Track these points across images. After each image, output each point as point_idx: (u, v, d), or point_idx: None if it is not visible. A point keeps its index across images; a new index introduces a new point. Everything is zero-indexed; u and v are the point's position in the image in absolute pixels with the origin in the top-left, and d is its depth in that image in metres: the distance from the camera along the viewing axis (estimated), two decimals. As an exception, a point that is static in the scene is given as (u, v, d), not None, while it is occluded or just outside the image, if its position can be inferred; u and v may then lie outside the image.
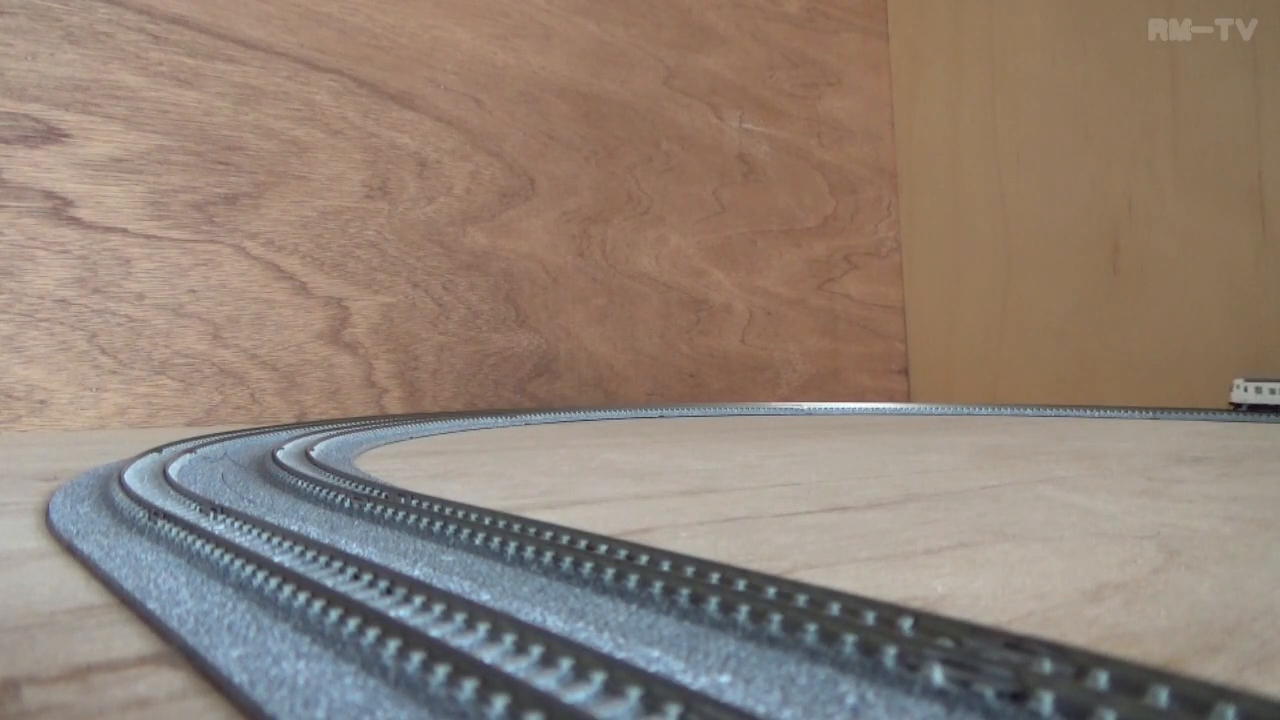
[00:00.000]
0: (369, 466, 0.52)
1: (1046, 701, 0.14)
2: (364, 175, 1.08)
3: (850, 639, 0.17)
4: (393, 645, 0.17)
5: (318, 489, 0.36)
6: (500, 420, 0.93)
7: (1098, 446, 0.63)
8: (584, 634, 0.18)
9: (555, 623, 0.19)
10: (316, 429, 0.73)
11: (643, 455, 0.59)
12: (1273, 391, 0.94)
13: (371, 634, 0.17)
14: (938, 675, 0.15)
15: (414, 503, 0.31)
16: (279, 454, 0.46)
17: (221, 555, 0.24)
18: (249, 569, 0.22)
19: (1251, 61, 1.17)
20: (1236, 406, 0.96)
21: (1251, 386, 0.96)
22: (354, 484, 0.37)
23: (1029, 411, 1.12)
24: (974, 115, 1.50)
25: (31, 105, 0.88)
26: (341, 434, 0.68)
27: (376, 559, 0.24)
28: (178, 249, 0.95)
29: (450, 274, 1.14)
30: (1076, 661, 0.14)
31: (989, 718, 0.14)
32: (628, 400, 1.27)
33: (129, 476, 0.39)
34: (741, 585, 0.20)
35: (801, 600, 0.19)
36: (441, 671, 0.15)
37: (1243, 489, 0.41)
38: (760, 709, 0.15)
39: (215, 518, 0.30)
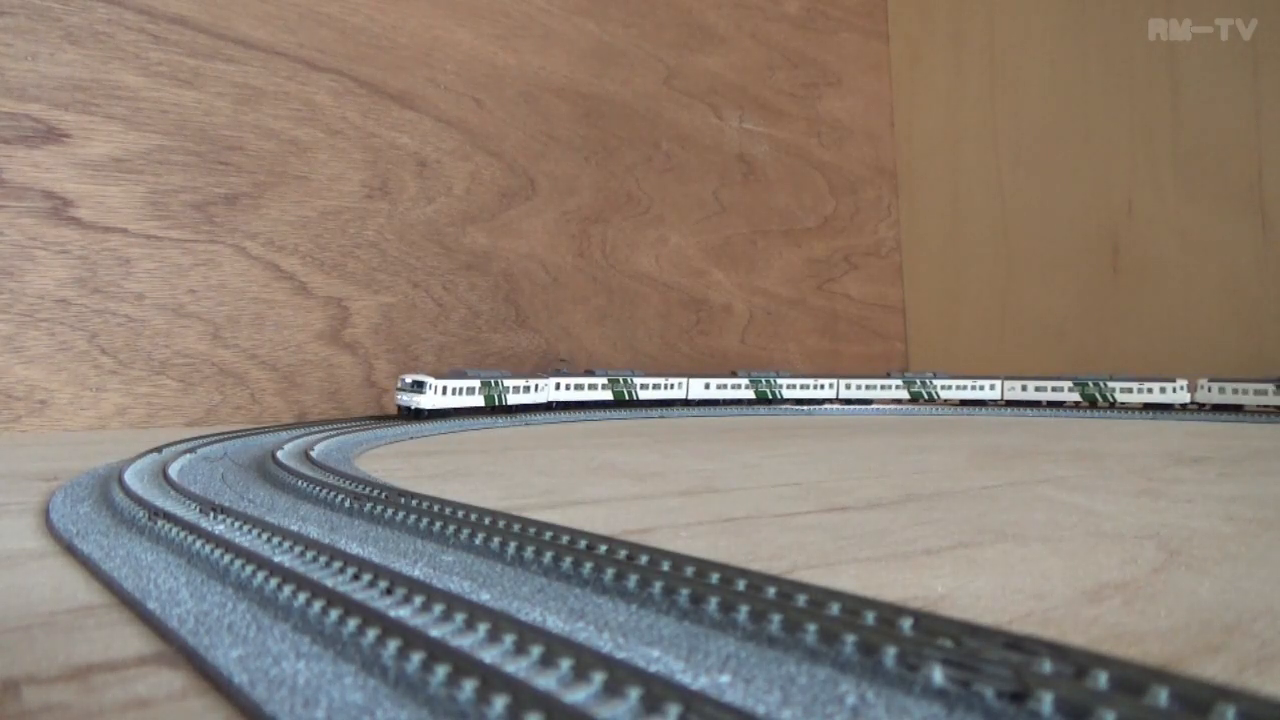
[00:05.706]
0: (369, 466, 0.52)
1: (1046, 701, 0.14)
2: (364, 175, 1.08)
3: (850, 639, 0.17)
4: (393, 645, 0.17)
5: (318, 489, 0.36)
6: (500, 420, 0.93)
7: (1098, 446, 0.63)
8: (584, 634, 0.18)
9: (555, 623, 0.19)
10: (316, 429, 0.73)
11: (643, 455, 0.59)
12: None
13: (371, 634, 0.17)
14: (938, 675, 0.15)
15: (414, 503, 0.31)
16: (279, 454, 0.46)
17: (221, 555, 0.24)
18: (249, 569, 0.22)
19: (1251, 61, 1.17)
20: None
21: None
22: (354, 484, 0.37)
23: (1029, 412, 1.12)
24: (974, 115, 1.50)
25: (31, 105, 0.88)
26: (341, 434, 0.68)
27: (376, 559, 0.24)
28: (178, 249, 0.95)
29: (450, 274, 1.14)
30: (1076, 661, 0.14)
31: (989, 718, 0.14)
32: (627, 400, 1.27)
33: (129, 476, 0.39)
34: (741, 585, 0.20)
35: (801, 600, 0.19)
36: (441, 671, 0.15)
37: (1243, 489, 0.41)
38: (760, 709, 0.15)
39: (215, 518, 0.30)
